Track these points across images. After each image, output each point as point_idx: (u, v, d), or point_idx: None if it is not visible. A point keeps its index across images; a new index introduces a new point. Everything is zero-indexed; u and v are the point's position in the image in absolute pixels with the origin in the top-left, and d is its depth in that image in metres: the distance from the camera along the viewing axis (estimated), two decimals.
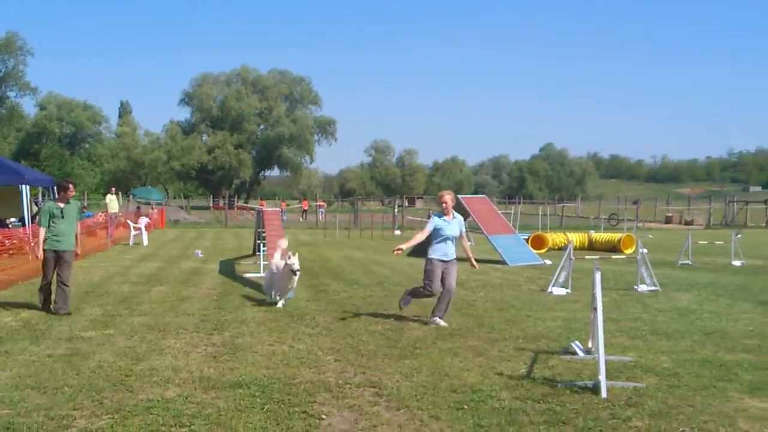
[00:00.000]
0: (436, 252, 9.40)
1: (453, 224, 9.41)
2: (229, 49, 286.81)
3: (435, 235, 9.39)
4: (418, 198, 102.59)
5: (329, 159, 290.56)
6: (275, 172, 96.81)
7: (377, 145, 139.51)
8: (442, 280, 9.35)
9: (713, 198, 65.13)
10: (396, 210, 43.94)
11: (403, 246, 9.55)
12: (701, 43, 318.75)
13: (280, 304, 10.65)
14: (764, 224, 41.03)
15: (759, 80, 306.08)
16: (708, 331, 9.05)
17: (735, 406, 5.76)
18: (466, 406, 5.70)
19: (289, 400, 5.85)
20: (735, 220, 46.14)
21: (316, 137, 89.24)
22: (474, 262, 9.93)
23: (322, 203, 57.54)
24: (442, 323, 9.25)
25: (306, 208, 59.09)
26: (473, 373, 6.80)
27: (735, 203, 52.19)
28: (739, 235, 21.83)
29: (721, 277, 15.74)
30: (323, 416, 5.46)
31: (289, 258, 10.45)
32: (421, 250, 20.99)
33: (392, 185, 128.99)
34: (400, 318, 9.89)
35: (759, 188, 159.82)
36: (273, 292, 11.01)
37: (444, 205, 9.42)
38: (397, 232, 35.85)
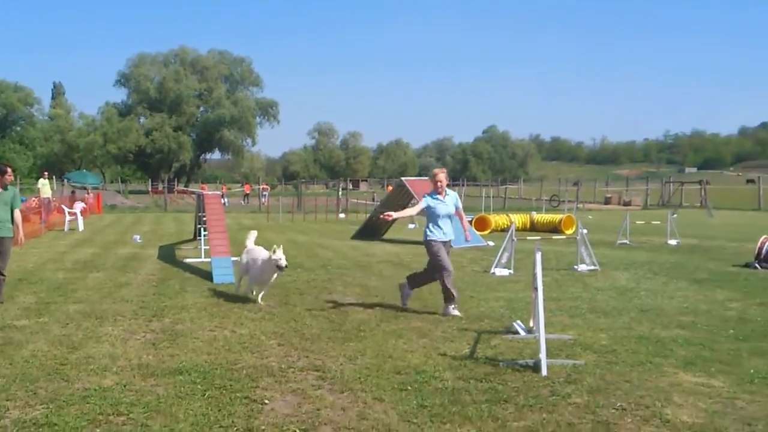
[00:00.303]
0: (435, 233, 9.03)
1: (448, 201, 9.09)
2: (166, 28, 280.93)
3: (431, 216, 9.05)
4: (362, 181, 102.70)
5: (272, 142, 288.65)
6: (216, 155, 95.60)
7: (321, 128, 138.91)
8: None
9: (650, 179, 66.84)
10: (340, 193, 43.84)
11: (394, 214, 9.48)
12: (638, 27, 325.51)
13: (260, 300, 9.61)
14: (699, 204, 42.23)
15: (693, 64, 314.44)
16: (645, 309, 9.27)
17: (670, 381, 5.91)
18: (409, 387, 5.72)
19: (230, 385, 5.77)
20: (671, 201, 47.38)
21: (258, 119, 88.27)
22: (468, 235, 9.80)
23: (265, 186, 56.93)
24: (458, 313, 8.79)
25: (248, 192, 58.42)
26: (417, 354, 6.82)
27: (671, 184, 53.55)
28: (675, 215, 22.43)
29: (658, 256, 16.13)
30: (266, 401, 5.41)
31: (275, 252, 9.52)
32: (366, 232, 21.11)
33: (336, 168, 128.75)
34: (344, 301, 9.86)
35: (694, 169, 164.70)
36: (246, 286, 10.19)
37: (439, 183, 9.05)
38: (342, 215, 35.77)
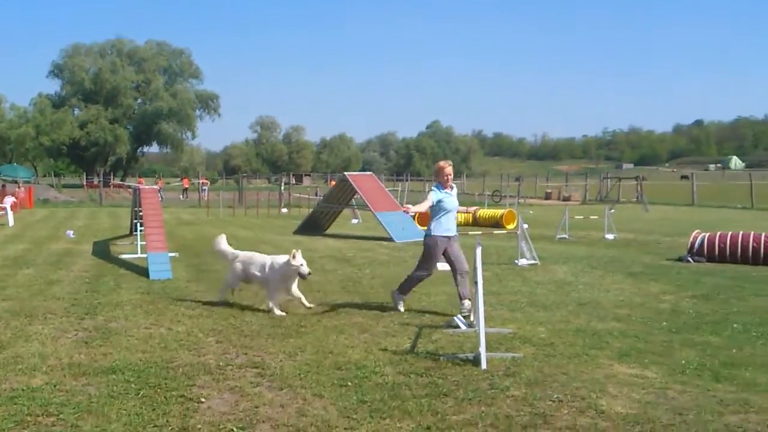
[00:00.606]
0: (439, 228, 8.53)
1: (453, 195, 8.70)
2: (102, 18, 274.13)
3: (438, 209, 8.52)
4: (305, 175, 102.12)
5: (212, 135, 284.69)
6: (155, 148, 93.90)
7: (263, 122, 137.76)
8: (449, 260, 8.68)
9: (589, 175, 68.14)
10: (282, 188, 43.50)
11: (412, 208, 9.07)
12: (577, 24, 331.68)
13: (277, 312, 8.54)
14: (635, 200, 43.22)
15: (629, 64, 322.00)
16: (582, 302, 9.43)
17: (605, 373, 6.02)
18: (349, 383, 5.69)
19: (166, 384, 5.66)
20: (609, 196, 48.32)
21: (197, 112, 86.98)
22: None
23: (204, 181, 56.07)
24: (401, 309, 8.69)
25: (187, 186, 57.38)
26: (358, 349, 6.80)
27: (609, 180, 54.66)
28: (613, 210, 22.91)
29: (596, 250, 16.44)
30: (203, 399, 5.32)
31: (295, 257, 8.61)
32: (309, 227, 20.99)
33: (279, 162, 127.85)
34: (285, 297, 9.74)
35: (631, 165, 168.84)
36: (228, 291, 9.42)
37: (447, 177, 8.62)
38: (284, 210, 35.50)
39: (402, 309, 8.73)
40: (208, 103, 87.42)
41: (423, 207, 8.87)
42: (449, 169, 8.70)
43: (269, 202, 35.45)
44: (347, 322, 8.06)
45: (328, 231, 21.19)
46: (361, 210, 25.47)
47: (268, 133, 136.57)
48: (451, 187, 8.71)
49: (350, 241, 18.47)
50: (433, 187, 8.80)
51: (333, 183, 36.60)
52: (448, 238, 8.59)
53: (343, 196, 21.18)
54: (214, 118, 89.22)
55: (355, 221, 25.76)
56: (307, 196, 40.55)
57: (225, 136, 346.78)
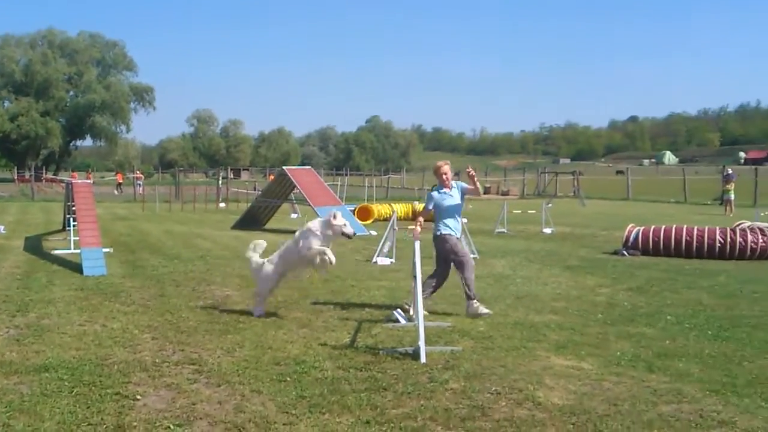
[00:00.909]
0: (446, 227, 8.36)
1: (455, 194, 8.44)
2: (33, 9, 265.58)
3: (440, 211, 8.40)
4: (244, 170, 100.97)
5: (148, 129, 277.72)
6: (88, 141, 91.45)
7: (200, 115, 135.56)
8: (456, 260, 8.42)
9: (527, 169, 69.11)
10: (220, 182, 42.86)
11: (418, 227, 8.48)
12: (516, 22, 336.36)
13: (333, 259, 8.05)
14: (572, 194, 44.08)
15: (565, 60, 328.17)
16: (520, 295, 9.55)
17: (542, 365, 6.10)
18: (288, 378, 5.64)
19: (101, 381, 5.53)
20: (546, 191, 49.12)
21: (132, 105, 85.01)
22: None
23: (139, 175, 54.82)
24: (486, 310, 8.20)
25: (121, 181, 55.87)
26: (297, 344, 6.74)
27: (546, 174, 55.56)
28: (550, 205, 23.31)
29: (533, 244, 16.69)
30: (138, 396, 5.22)
31: (335, 217, 8.10)
32: (247, 222, 20.72)
33: (216, 156, 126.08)
34: (223, 293, 9.63)
35: (568, 160, 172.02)
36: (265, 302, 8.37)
37: (444, 176, 8.44)
38: (222, 204, 34.99)
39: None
40: (142, 95, 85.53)
41: (422, 214, 8.94)
42: (445, 168, 8.55)
43: (207, 197, 34.94)
44: (286, 317, 8.00)
45: (267, 226, 20.99)
46: (300, 204, 25.28)
47: (205, 127, 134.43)
48: (452, 186, 8.47)
49: (290, 235, 18.21)
50: (429, 192, 8.75)
51: (271, 177, 36.28)
52: (455, 236, 8.41)
53: (281, 191, 21.01)
54: (149, 111, 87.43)
55: (294, 216, 25.53)
56: (245, 191, 40.06)
57: (161, 129, 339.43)
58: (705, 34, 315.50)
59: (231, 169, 73.68)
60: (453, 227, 8.39)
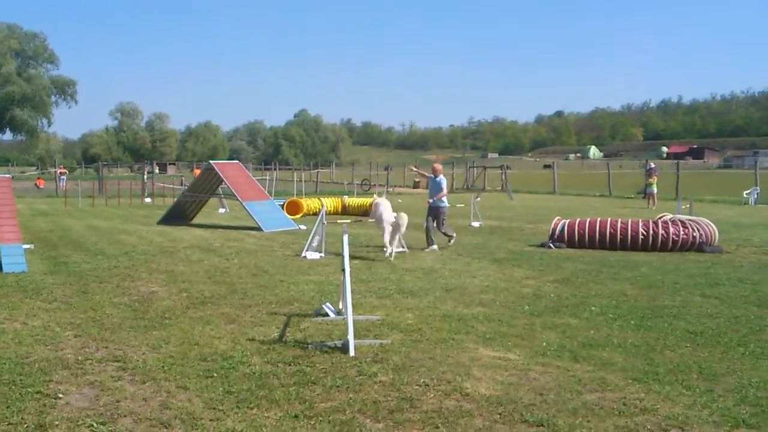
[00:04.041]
0: (441, 202, 14.42)
1: (440, 181, 14.35)
2: None
3: (437, 191, 14.33)
4: (170, 164, 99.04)
5: (70, 122, 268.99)
6: (8, 135, 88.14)
7: (123, 108, 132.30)
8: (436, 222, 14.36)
9: (456, 164, 69.83)
10: (146, 177, 41.87)
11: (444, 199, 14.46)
12: (445, 16, 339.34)
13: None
14: (500, 188, 44.72)
15: (492, 55, 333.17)
16: (449, 288, 9.62)
17: (470, 356, 6.15)
18: (215, 374, 5.54)
19: (21, 380, 5.36)
20: (475, 185, 49.71)
21: (53, 99, 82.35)
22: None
23: (63, 170, 53.05)
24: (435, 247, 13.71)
25: (41, 186, 53.73)
26: (225, 340, 6.63)
27: (475, 168, 56.22)
28: (479, 199, 23.55)
29: (462, 237, 16.81)
30: (60, 395, 5.07)
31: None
32: (173, 217, 20.29)
33: (142, 151, 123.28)
34: (148, 289, 9.39)
35: (496, 155, 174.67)
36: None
37: (436, 171, 14.51)
38: (148, 199, 34.19)
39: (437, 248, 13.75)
40: (64, 89, 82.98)
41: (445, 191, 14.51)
42: (437, 166, 14.81)
43: (131, 192, 34.09)
44: (214, 313, 7.85)
45: (194, 221, 20.60)
46: (228, 199, 24.92)
47: (129, 121, 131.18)
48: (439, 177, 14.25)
49: (217, 230, 18.04)
50: (433, 178, 14.49)
51: (197, 172, 35.63)
52: (445, 207, 14.56)
53: (208, 185, 20.63)
54: (70, 104, 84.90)
55: (222, 211, 25.19)
56: (171, 186, 39.20)
57: (83, 123, 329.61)
58: (627, 31, 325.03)
59: (157, 164, 72.13)
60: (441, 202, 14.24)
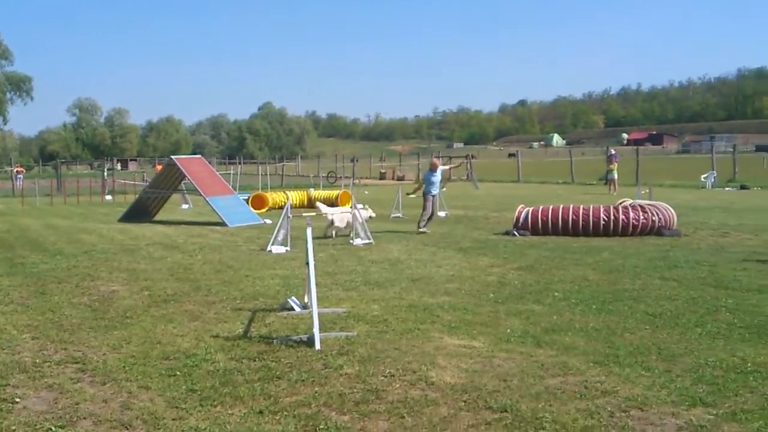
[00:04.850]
0: (435, 189, 16.13)
1: (437, 174, 16.23)
2: None
3: (431, 183, 16.00)
4: (131, 160, 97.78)
5: (26, 120, 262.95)
6: None
7: (81, 104, 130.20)
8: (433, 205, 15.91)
9: (422, 154, 70.02)
10: (106, 173, 41.28)
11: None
12: (406, 7, 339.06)
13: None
14: (465, 177, 44.95)
15: (453, 44, 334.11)
16: (415, 278, 9.64)
17: (435, 345, 6.17)
18: (178, 372, 5.48)
19: None
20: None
21: (8, 95, 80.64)
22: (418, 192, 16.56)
23: (20, 169, 52.07)
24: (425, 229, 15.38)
25: None
26: (188, 338, 6.56)
27: (440, 158, 56.44)
28: (444, 189, 23.65)
29: (428, 227, 16.87)
30: (17, 399, 4.97)
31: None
32: (135, 214, 20.02)
33: (101, 147, 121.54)
34: (108, 288, 9.25)
35: (461, 144, 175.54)
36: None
37: (434, 166, 16.51)
38: (108, 197, 33.71)
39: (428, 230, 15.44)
40: (19, 85, 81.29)
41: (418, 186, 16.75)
42: (435, 161, 17.04)
43: (91, 190, 33.59)
44: (177, 311, 7.77)
45: (157, 217, 20.37)
46: (191, 195, 24.66)
47: (88, 117, 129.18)
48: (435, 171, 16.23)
49: (180, 227, 17.86)
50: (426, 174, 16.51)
51: (159, 168, 35.21)
52: (434, 195, 16.00)
53: (170, 181, 20.39)
54: (26, 101, 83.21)
55: (185, 206, 24.93)
56: (132, 182, 38.66)
57: (40, 120, 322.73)
58: (587, 19, 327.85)
59: (117, 160, 71.16)
60: (433, 189, 15.90)
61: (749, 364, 5.47)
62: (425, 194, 15.79)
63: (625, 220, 13.98)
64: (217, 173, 22.02)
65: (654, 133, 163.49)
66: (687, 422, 4.38)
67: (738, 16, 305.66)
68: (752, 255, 11.27)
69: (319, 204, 16.20)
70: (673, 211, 14.59)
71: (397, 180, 49.50)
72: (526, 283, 9.17)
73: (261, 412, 4.66)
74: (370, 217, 15.70)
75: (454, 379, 5.22)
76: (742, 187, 32.21)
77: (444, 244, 13.37)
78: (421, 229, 15.38)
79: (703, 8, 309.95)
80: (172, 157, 20.50)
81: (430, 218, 15.72)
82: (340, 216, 14.91)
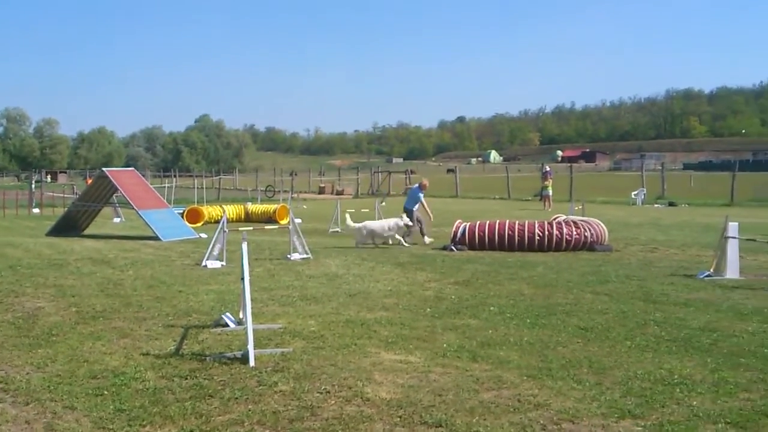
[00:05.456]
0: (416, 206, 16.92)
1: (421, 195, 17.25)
2: None
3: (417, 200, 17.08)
4: (61, 172, 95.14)
5: None
6: None
7: (9, 114, 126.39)
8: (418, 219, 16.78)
9: (361, 169, 70.21)
10: (33, 186, 39.98)
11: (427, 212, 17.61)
12: (345, 19, 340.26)
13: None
14: (404, 193, 45.23)
15: (395, 61, 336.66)
16: (352, 293, 9.59)
17: (372, 361, 6.14)
18: (106, 392, 5.31)
19: None
20: (380, 189, 50.10)
21: None
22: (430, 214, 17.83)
23: None
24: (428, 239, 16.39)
25: None
26: (116, 355, 6.37)
27: (380, 173, 56.64)
28: (383, 203, 23.71)
29: (367, 242, 16.87)
30: None
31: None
32: (64, 228, 19.43)
33: (29, 158, 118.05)
34: (34, 304, 8.93)
35: (401, 159, 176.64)
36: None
37: (425, 187, 17.69)
38: (36, 210, 32.69)
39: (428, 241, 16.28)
40: None
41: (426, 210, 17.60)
42: (425, 181, 18.12)
43: (18, 202, 32.53)
44: (105, 328, 7.53)
45: (87, 231, 19.82)
46: (123, 208, 24.11)
47: (15, 127, 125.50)
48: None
49: (112, 241, 17.41)
50: (419, 192, 17.30)
51: (90, 181, 34.35)
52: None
53: (102, 194, 19.88)
54: None
55: (117, 220, 24.37)
56: (62, 195, 37.56)
57: None
58: (522, 38, 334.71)
59: (47, 172, 69.19)
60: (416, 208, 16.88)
61: (676, 376, 5.62)
62: (413, 210, 16.61)
63: (559, 236, 14.25)
64: (151, 186, 21.58)
65: (587, 150, 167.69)
66: None
67: (667, 38, 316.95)
68: (679, 270, 11.62)
69: (349, 222, 16.64)
70: (604, 227, 14.94)
71: (336, 194, 49.44)
72: (463, 297, 9.23)
73: (192, 431, 4.55)
74: (407, 225, 15.92)
75: (390, 395, 5.19)
76: (671, 204, 33.24)
77: (382, 259, 13.36)
78: (427, 240, 16.29)
79: (634, 31, 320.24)
80: (104, 169, 20.01)
81: (409, 232, 16.27)
82: (380, 224, 15.83)
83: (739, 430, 4.51)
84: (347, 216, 16.93)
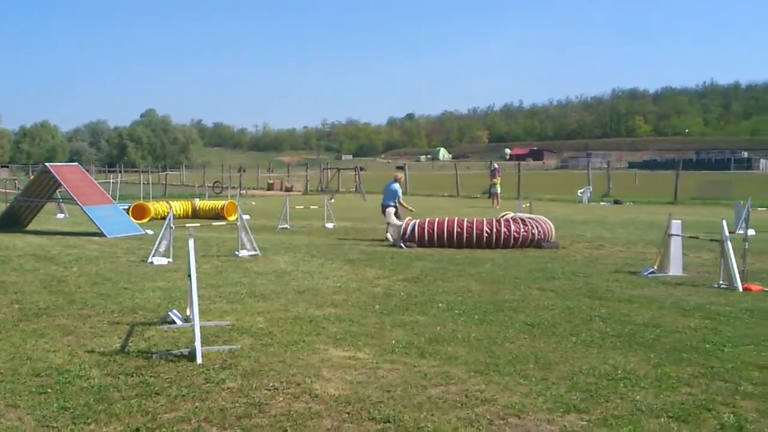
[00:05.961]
0: (395, 203, 16.94)
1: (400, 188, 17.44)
2: None
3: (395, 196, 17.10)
4: (2, 167, 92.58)
5: None
6: None
7: None
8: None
9: (310, 165, 69.94)
10: None
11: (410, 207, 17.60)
12: (295, 17, 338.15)
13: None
14: (353, 189, 45.21)
15: (344, 57, 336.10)
16: (301, 290, 9.58)
17: (320, 357, 6.15)
18: (50, 390, 5.21)
19: None
20: (329, 186, 50.00)
21: None
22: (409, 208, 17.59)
23: None
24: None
25: None
26: (60, 353, 6.25)
27: (329, 170, 56.53)
28: (333, 200, 23.72)
29: (316, 239, 16.86)
30: None
31: None
32: (5, 223, 18.93)
33: None
34: None
35: (350, 156, 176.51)
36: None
37: (400, 180, 17.82)
38: None
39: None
40: None
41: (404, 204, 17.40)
42: (400, 176, 18.53)
43: None
44: (49, 325, 7.38)
45: (29, 227, 19.32)
46: (67, 204, 23.58)
47: None
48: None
49: (55, 237, 17.02)
50: (397, 187, 17.28)
51: (32, 176, 33.55)
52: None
53: (44, 189, 19.40)
54: None
55: (60, 216, 23.80)
56: (3, 190, 36.61)
57: None
58: (472, 36, 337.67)
59: None
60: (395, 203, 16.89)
61: (620, 372, 5.76)
62: (394, 205, 16.78)
63: (507, 233, 14.44)
64: (96, 182, 21.13)
65: (535, 148, 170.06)
66: (561, 428, 4.55)
67: (613, 39, 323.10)
68: (624, 266, 11.90)
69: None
70: (551, 224, 15.19)
71: (285, 191, 49.17)
72: (412, 294, 9.29)
73: (138, 429, 4.50)
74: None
75: (338, 391, 5.21)
76: (616, 202, 34.00)
77: (332, 255, 13.35)
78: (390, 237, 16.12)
79: (581, 30, 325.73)
80: (47, 164, 19.52)
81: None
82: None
83: (681, 424, 4.64)
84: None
